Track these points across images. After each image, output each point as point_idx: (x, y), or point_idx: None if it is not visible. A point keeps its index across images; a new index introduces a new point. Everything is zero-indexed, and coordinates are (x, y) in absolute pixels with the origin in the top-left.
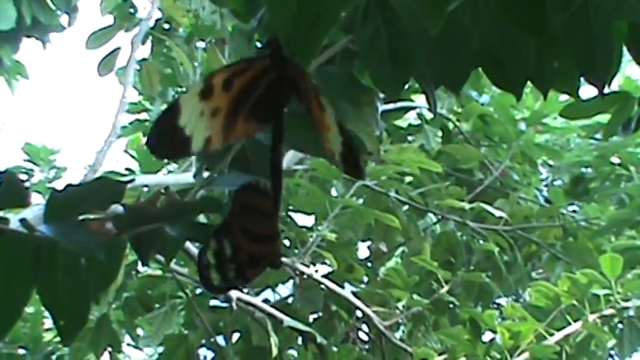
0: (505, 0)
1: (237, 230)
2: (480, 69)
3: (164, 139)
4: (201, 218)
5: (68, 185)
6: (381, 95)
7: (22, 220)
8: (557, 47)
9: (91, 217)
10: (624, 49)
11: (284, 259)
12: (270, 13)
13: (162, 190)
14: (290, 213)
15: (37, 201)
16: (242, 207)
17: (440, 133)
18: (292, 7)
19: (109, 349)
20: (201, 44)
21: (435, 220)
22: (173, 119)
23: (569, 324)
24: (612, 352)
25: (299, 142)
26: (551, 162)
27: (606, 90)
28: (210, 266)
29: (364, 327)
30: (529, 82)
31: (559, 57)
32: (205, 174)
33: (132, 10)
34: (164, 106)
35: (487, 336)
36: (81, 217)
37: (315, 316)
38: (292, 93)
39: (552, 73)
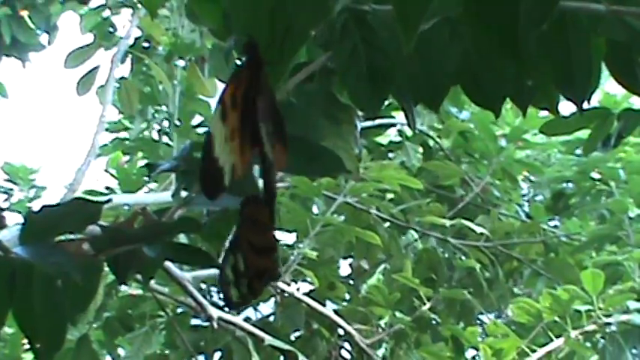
0: (475, 21)
1: (245, 244)
2: (459, 85)
3: (209, 176)
4: (182, 238)
5: (45, 206)
6: (361, 113)
7: None
8: (532, 67)
9: (69, 237)
10: (603, 65)
11: None
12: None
13: (140, 210)
14: None
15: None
16: (247, 220)
17: (420, 150)
18: (264, 21)
19: None
20: (180, 62)
21: (416, 236)
22: (210, 152)
23: (552, 340)
24: None
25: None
26: (532, 177)
27: (586, 106)
28: (231, 282)
29: (346, 345)
30: (508, 99)
31: (534, 76)
32: (184, 193)
33: (111, 29)
34: (144, 125)
35: (469, 353)
36: (58, 239)
37: (296, 334)
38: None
39: (531, 90)
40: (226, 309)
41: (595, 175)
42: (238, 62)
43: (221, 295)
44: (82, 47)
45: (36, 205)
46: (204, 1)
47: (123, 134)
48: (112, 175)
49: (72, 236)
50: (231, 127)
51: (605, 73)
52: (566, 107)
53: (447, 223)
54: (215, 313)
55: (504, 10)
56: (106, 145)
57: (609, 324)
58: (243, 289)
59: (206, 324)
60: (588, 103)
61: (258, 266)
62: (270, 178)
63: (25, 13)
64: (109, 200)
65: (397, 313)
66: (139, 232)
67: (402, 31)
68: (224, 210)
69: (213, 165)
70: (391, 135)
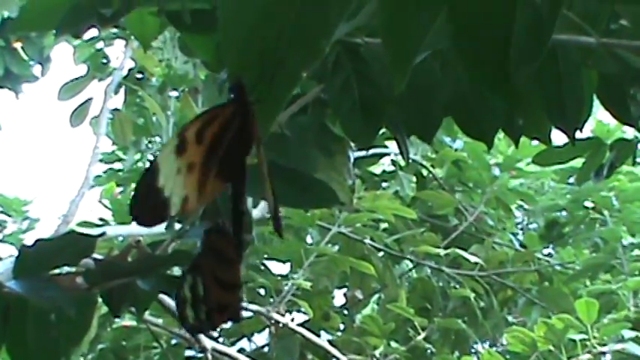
0: (465, 57)
1: (208, 273)
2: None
3: (146, 204)
4: (176, 270)
5: (38, 240)
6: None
7: None
8: (523, 105)
9: (63, 271)
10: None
11: (259, 308)
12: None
13: (134, 243)
14: (265, 261)
15: (10, 253)
16: (209, 249)
17: (414, 179)
18: (254, 58)
19: None
20: (174, 93)
21: (410, 266)
22: (152, 181)
23: None
24: None
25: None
26: (525, 206)
27: (578, 135)
28: (187, 301)
29: None
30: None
31: (525, 112)
32: (177, 226)
33: (104, 60)
34: (137, 156)
35: None
36: (51, 272)
37: None
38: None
39: (523, 120)
40: (220, 340)
41: (588, 203)
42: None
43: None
44: (75, 79)
45: (29, 237)
46: (196, 34)
47: (117, 165)
48: (106, 206)
49: (66, 269)
50: (189, 162)
51: (597, 101)
52: (559, 136)
53: (441, 252)
54: (209, 344)
55: (495, 47)
56: (99, 176)
57: (604, 353)
58: (201, 314)
59: (200, 355)
60: (580, 132)
61: (220, 300)
62: (238, 211)
63: (18, 45)
64: (103, 234)
65: (392, 343)
66: (133, 266)
67: (393, 71)
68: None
69: (155, 194)
70: (384, 164)
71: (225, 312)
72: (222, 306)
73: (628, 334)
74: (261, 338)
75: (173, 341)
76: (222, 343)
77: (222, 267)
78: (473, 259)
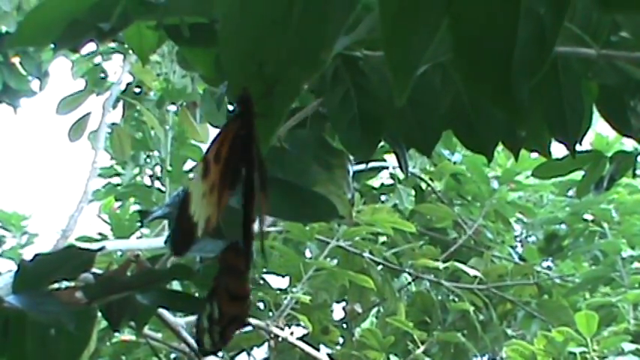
0: (466, 70)
1: (223, 292)
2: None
3: (180, 233)
4: (175, 284)
5: (37, 255)
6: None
7: None
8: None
9: (62, 285)
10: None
11: (258, 322)
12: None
13: (133, 258)
14: (264, 275)
15: (9, 268)
16: (225, 267)
17: (413, 193)
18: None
19: None
20: (172, 108)
21: (409, 279)
22: (185, 209)
23: None
24: None
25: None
26: (524, 219)
27: (578, 147)
28: (204, 330)
29: None
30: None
31: (526, 124)
32: None
33: (103, 75)
34: (136, 171)
35: None
36: (51, 287)
37: None
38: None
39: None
40: (220, 354)
41: (588, 216)
42: (230, 108)
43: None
44: (73, 94)
45: (28, 252)
46: (195, 48)
47: (115, 180)
48: (105, 220)
49: (65, 283)
50: (212, 183)
51: (596, 113)
52: (558, 149)
53: (440, 265)
54: (209, 359)
55: (497, 60)
56: (98, 190)
57: None
58: (216, 336)
59: None
60: (580, 144)
61: (231, 313)
62: (248, 225)
63: (16, 60)
64: (102, 248)
65: (391, 357)
66: (132, 280)
67: (394, 84)
68: (217, 257)
69: (187, 223)
70: (383, 178)
71: (234, 323)
72: (231, 318)
73: (628, 346)
74: (260, 352)
75: (172, 355)
76: (222, 357)
77: (233, 280)
78: (472, 272)
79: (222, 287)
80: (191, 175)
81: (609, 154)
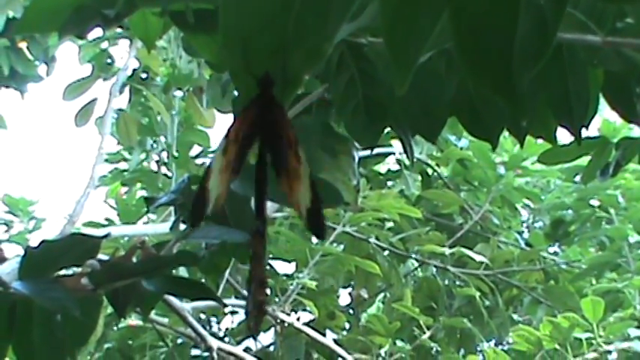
0: (468, 59)
1: (255, 279)
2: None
3: (197, 204)
4: (181, 270)
5: (43, 241)
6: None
7: None
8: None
9: (68, 272)
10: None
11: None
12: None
13: (139, 244)
14: (270, 261)
15: (17, 252)
16: (253, 255)
17: (419, 178)
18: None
19: None
20: (178, 93)
21: (415, 265)
22: (204, 182)
23: None
24: None
25: (274, 192)
26: (531, 204)
27: (584, 133)
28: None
29: None
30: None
31: (530, 111)
32: (182, 226)
33: (109, 60)
34: (142, 156)
35: None
36: (57, 273)
37: None
38: (273, 137)
39: (528, 119)
40: (226, 339)
41: (594, 202)
42: (236, 93)
43: (220, 326)
44: (80, 79)
45: (35, 237)
46: (200, 34)
47: (122, 165)
48: (111, 206)
49: (72, 270)
50: (228, 160)
51: (603, 99)
52: (565, 135)
53: (447, 251)
54: (215, 343)
55: (498, 49)
56: (105, 176)
57: (610, 352)
58: (252, 321)
59: (206, 354)
60: (586, 130)
61: (259, 299)
62: (261, 208)
63: (23, 45)
64: (108, 235)
65: (397, 342)
66: (138, 266)
67: (395, 73)
68: (222, 243)
69: (203, 196)
70: (389, 164)
71: (261, 309)
72: (259, 304)
73: (634, 332)
74: (266, 337)
75: (179, 340)
76: (228, 343)
77: (259, 267)
78: (478, 258)
79: (254, 275)
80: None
81: (615, 140)
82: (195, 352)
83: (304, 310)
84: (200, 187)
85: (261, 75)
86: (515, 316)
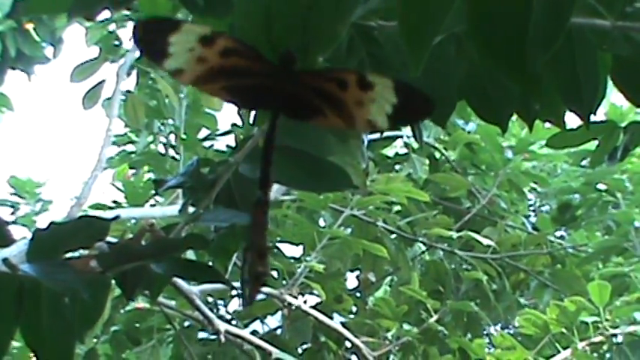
0: (481, 41)
1: (252, 248)
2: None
3: (150, 38)
4: (190, 253)
5: (52, 223)
6: None
7: (5, 260)
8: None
9: (76, 254)
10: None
11: (272, 291)
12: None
13: (148, 227)
14: (278, 244)
15: (23, 234)
16: (254, 224)
17: (427, 162)
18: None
19: None
20: None
21: (423, 249)
22: (168, 30)
23: (559, 352)
24: None
25: (283, 175)
26: (538, 188)
27: (592, 118)
28: (245, 282)
29: (353, 358)
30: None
31: (541, 96)
32: (191, 209)
33: (117, 42)
34: (150, 138)
35: None
36: (65, 255)
37: (304, 347)
38: (303, 104)
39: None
40: (233, 322)
41: (601, 186)
42: None
43: (227, 309)
44: (87, 61)
45: (43, 219)
46: (209, 17)
47: (129, 147)
48: (119, 188)
49: (80, 252)
50: (205, 55)
51: (611, 84)
52: (572, 119)
53: (454, 235)
54: (222, 326)
55: (512, 33)
56: (112, 158)
57: (616, 335)
58: (246, 292)
59: (213, 337)
60: (594, 115)
61: (256, 270)
62: (267, 178)
63: (30, 26)
64: (117, 217)
65: (404, 326)
66: (147, 249)
67: (410, 56)
68: (231, 226)
69: (162, 39)
70: (397, 147)
71: (259, 280)
72: (257, 275)
73: None
74: (273, 320)
75: (186, 323)
76: (235, 325)
77: (260, 236)
78: (485, 241)
79: (254, 244)
80: None
81: (623, 125)
82: (202, 334)
83: (311, 293)
84: (162, 25)
85: (282, 50)
86: (522, 300)
